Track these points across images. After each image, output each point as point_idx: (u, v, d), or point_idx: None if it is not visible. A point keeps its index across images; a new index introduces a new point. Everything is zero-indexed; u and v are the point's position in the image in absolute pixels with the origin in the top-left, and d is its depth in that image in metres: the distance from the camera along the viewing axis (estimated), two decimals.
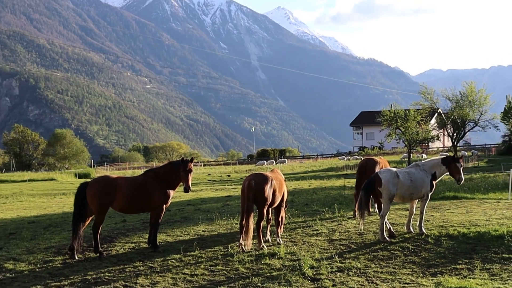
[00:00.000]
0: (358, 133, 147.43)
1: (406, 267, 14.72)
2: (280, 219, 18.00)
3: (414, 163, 18.54)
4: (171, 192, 17.53)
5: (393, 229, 18.01)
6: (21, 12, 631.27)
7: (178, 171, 17.28)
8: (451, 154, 72.80)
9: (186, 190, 17.20)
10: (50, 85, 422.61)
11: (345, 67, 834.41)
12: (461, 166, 17.48)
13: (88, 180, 17.81)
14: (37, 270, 15.91)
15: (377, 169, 21.47)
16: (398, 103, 73.42)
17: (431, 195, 18.00)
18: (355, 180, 24.63)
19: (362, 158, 26.20)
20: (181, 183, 17.55)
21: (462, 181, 17.47)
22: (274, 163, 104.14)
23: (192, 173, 17.37)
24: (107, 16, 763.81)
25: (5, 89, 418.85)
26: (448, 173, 17.75)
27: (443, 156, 18.14)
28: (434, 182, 17.71)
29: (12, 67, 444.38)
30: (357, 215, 20.98)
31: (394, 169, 17.82)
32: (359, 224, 19.10)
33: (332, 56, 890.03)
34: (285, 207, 18.48)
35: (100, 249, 17.18)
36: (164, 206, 17.45)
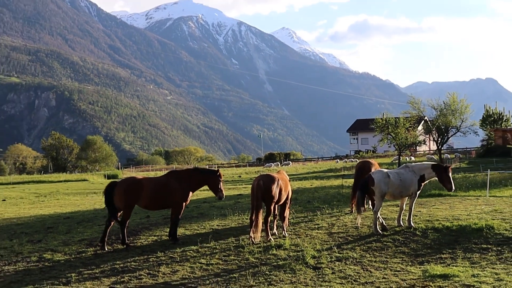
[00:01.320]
0: (354, 138, 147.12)
1: (397, 256, 14.71)
2: (285, 214, 18.04)
3: (404, 164, 18.53)
4: (190, 193, 17.68)
5: (385, 223, 18.00)
6: (58, 33, 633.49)
7: (202, 176, 17.96)
8: (436, 157, 72.68)
9: (221, 197, 17.97)
10: (83, 97, 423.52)
11: (342, 80, 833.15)
12: (451, 175, 17.54)
13: (116, 180, 17.88)
14: (72, 260, 15.96)
15: (372, 170, 21.53)
16: (389, 112, 73.52)
17: (418, 193, 18.00)
18: (351, 179, 24.71)
19: (358, 161, 26.16)
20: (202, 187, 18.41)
21: (453, 189, 17.48)
22: (279, 165, 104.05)
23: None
24: (133, 36, 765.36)
25: (44, 101, 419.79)
26: (436, 178, 17.75)
27: (434, 163, 18.06)
28: (422, 184, 17.73)
29: (50, 81, 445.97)
30: (353, 211, 21.04)
31: (386, 170, 17.84)
32: (356, 219, 19.13)
33: (331, 70, 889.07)
34: (290, 204, 18.52)
35: (126, 241, 17.28)
36: (184, 204, 17.55)
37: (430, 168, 17.64)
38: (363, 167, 22.49)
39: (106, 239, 17.16)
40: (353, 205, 20.99)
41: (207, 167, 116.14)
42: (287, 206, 17.97)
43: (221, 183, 17.91)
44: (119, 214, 17.26)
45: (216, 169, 18.70)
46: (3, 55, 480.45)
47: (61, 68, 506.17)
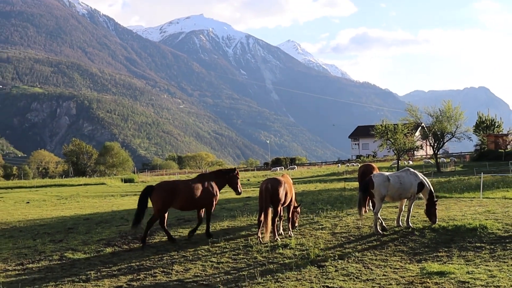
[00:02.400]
0: (355, 144, 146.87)
1: (396, 255, 14.69)
2: (291, 215, 18.02)
3: (406, 167, 18.51)
4: (218, 192, 18.24)
5: (384, 223, 17.96)
6: (78, 46, 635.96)
7: (226, 176, 18.72)
8: (433, 161, 72.36)
9: (239, 192, 18.98)
10: (101, 106, 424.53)
11: (344, 89, 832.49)
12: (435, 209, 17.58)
13: (153, 184, 18.13)
14: (91, 258, 16.00)
15: (374, 173, 21.58)
16: (388, 119, 73.46)
17: (417, 196, 17.98)
18: (353, 182, 24.72)
19: (359, 165, 26.10)
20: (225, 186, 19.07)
21: (435, 223, 17.39)
22: (283, 169, 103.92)
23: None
24: (147, 49, 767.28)
25: (65, 110, 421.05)
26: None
27: (430, 192, 17.78)
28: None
29: (70, 91, 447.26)
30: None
31: (387, 174, 17.79)
32: (358, 219, 19.13)
33: (333, 80, 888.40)
34: (298, 206, 18.50)
35: (145, 241, 17.38)
36: (214, 202, 18.08)
37: (427, 192, 17.61)
38: (366, 170, 22.46)
39: (146, 238, 17.55)
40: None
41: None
42: (292, 207, 17.94)
43: (238, 181, 18.91)
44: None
45: (233, 167, 19.56)
46: (27, 67, 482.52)
47: (81, 79, 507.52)
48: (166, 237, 17.83)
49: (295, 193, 18.79)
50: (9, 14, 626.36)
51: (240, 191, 18.94)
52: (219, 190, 18.42)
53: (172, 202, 17.14)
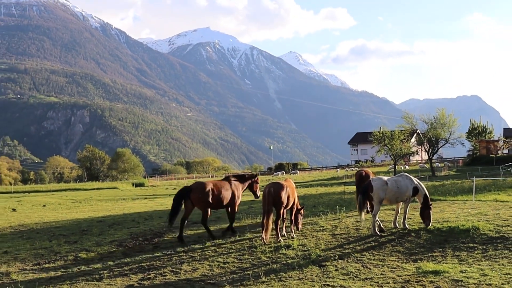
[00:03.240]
0: (354, 150, 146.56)
1: (393, 255, 14.68)
2: (293, 217, 18.03)
3: (402, 172, 18.54)
4: (241, 194, 19.11)
5: (382, 225, 17.96)
6: (91, 58, 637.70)
7: (248, 180, 19.44)
8: (428, 166, 72.26)
9: (258, 196, 19.61)
10: (113, 114, 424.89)
11: (344, 98, 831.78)
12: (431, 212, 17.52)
13: (188, 185, 18.47)
14: (104, 258, 16.03)
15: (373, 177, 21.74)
16: (385, 126, 73.40)
17: (412, 199, 17.97)
18: (352, 186, 24.75)
19: (357, 170, 26.16)
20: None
21: (428, 226, 17.30)
22: (284, 174, 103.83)
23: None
24: (157, 60, 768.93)
25: (79, 118, 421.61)
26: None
27: (425, 196, 17.75)
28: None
29: (84, 100, 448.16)
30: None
31: (385, 178, 17.81)
32: (357, 221, 19.14)
33: (333, 89, 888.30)
34: (301, 208, 18.49)
35: (213, 235, 18.18)
36: (238, 202, 18.74)
37: (421, 196, 17.57)
38: (363, 175, 22.62)
39: (182, 236, 17.98)
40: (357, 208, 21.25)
41: (223, 176, 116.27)
42: (294, 210, 17.95)
43: (258, 186, 19.84)
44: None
45: (255, 173, 20.72)
46: (43, 78, 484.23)
47: (94, 88, 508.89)
48: (178, 234, 18.12)
49: (298, 197, 18.80)
50: (27, 28, 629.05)
51: (258, 195, 19.63)
52: (242, 191, 19.15)
53: (209, 200, 17.69)
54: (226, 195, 18.03)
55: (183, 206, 18.02)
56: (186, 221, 18.15)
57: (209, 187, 17.90)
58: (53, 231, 22.67)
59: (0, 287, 13.25)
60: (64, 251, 17.62)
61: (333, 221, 20.19)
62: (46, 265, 15.56)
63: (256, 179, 19.70)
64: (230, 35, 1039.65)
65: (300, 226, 18.27)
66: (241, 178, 19.41)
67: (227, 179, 19.16)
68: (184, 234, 19.12)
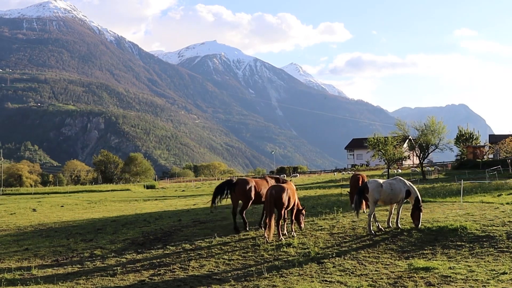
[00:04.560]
0: (350, 154, 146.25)
1: (387, 252, 14.67)
2: (294, 217, 18.02)
3: (396, 176, 18.54)
4: None
5: (377, 224, 17.94)
6: (106, 69, 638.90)
7: (279, 181, 19.48)
8: (419, 169, 72.14)
9: None
10: (126, 121, 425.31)
11: (341, 106, 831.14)
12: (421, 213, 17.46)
13: (232, 179, 19.01)
14: (117, 256, 16.03)
15: (360, 181, 22.78)
16: (379, 132, 73.20)
17: (405, 200, 17.95)
18: (349, 188, 24.85)
19: (352, 173, 26.42)
20: None
21: (418, 226, 17.20)
22: (285, 176, 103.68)
23: None
24: (167, 71, 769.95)
25: (94, 125, 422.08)
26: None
27: (416, 198, 17.70)
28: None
29: (99, 108, 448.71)
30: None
31: (381, 181, 17.80)
32: (353, 221, 19.13)
33: (331, 98, 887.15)
34: (303, 209, 18.46)
35: (240, 228, 18.79)
36: None
37: (413, 198, 17.54)
38: (357, 178, 23.35)
39: (236, 225, 18.74)
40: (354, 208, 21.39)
41: (234, 178, 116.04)
42: (295, 211, 17.93)
43: None
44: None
45: (287, 179, 21.18)
46: (62, 87, 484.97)
47: (109, 97, 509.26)
48: (242, 222, 19.03)
49: (298, 198, 18.79)
50: (47, 41, 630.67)
51: None
52: None
53: (252, 195, 18.31)
54: (264, 192, 18.20)
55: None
56: (237, 214, 18.73)
57: (252, 183, 18.51)
58: (70, 229, 22.69)
59: (22, 281, 13.28)
60: (80, 248, 17.65)
61: (331, 221, 20.16)
62: (64, 261, 15.59)
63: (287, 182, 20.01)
64: (235, 48, 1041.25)
65: (303, 226, 18.24)
66: (276, 179, 19.85)
67: (264, 178, 19.88)
68: (192, 232, 19.17)
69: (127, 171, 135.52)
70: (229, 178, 19.80)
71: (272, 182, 19.36)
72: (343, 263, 13.61)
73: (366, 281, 11.98)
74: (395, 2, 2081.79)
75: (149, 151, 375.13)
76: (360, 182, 22.64)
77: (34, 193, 75.56)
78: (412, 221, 17.68)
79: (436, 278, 11.81)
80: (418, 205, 17.37)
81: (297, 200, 17.94)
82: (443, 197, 27.16)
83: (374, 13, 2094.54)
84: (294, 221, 18.03)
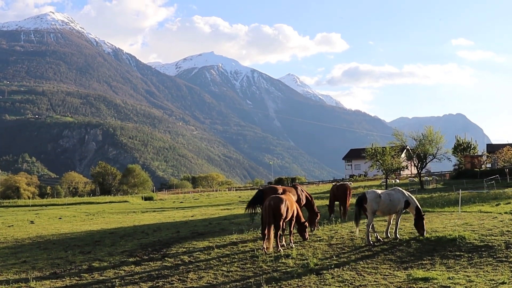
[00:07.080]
0: (348, 165, 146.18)
1: (386, 263, 14.65)
2: (291, 228, 17.99)
3: (395, 186, 18.55)
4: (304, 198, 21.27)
5: (375, 235, 17.92)
6: (104, 81, 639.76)
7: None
8: (417, 180, 72.15)
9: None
10: (124, 133, 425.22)
11: (338, 117, 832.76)
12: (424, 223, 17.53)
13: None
14: (116, 268, 15.98)
15: (347, 192, 24.68)
16: (377, 142, 72.89)
17: (403, 211, 17.97)
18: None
19: (336, 184, 26.71)
20: None
21: (423, 235, 17.28)
22: (351, 184, 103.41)
23: None
24: (165, 82, 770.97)
25: (92, 136, 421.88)
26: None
27: (417, 208, 17.73)
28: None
29: (97, 120, 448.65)
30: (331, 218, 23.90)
31: (379, 191, 17.82)
32: (353, 232, 19.12)
33: (328, 109, 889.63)
34: (306, 221, 18.41)
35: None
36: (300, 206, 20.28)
37: (413, 208, 17.56)
38: (339, 188, 25.64)
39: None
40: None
41: (226, 190, 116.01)
42: (293, 222, 17.90)
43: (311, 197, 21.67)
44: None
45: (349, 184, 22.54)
46: (60, 99, 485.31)
47: (107, 109, 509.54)
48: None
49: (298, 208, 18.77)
50: (44, 53, 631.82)
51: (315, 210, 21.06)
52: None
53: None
54: (294, 199, 18.79)
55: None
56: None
57: (280, 191, 19.46)
58: (68, 242, 22.64)
59: None
60: (78, 260, 17.60)
61: (329, 231, 20.16)
62: (62, 274, 15.53)
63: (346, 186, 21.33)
64: (232, 59, 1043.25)
65: (307, 237, 18.11)
66: (302, 189, 21.19)
67: (294, 187, 21.23)
68: (190, 244, 19.13)
69: (125, 183, 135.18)
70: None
71: (300, 190, 20.92)
72: (342, 274, 13.58)
73: None
74: (392, 13, 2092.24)
75: (147, 162, 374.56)
76: (336, 192, 24.94)
77: (32, 205, 75.35)
78: (411, 231, 17.68)
79: None
80: (421, 215, 17.38)
81: (296, 211, 17.90)
82: (441, 207, 27.17)
83: (371, 24, 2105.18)
84: (292, 232, 18.00)
